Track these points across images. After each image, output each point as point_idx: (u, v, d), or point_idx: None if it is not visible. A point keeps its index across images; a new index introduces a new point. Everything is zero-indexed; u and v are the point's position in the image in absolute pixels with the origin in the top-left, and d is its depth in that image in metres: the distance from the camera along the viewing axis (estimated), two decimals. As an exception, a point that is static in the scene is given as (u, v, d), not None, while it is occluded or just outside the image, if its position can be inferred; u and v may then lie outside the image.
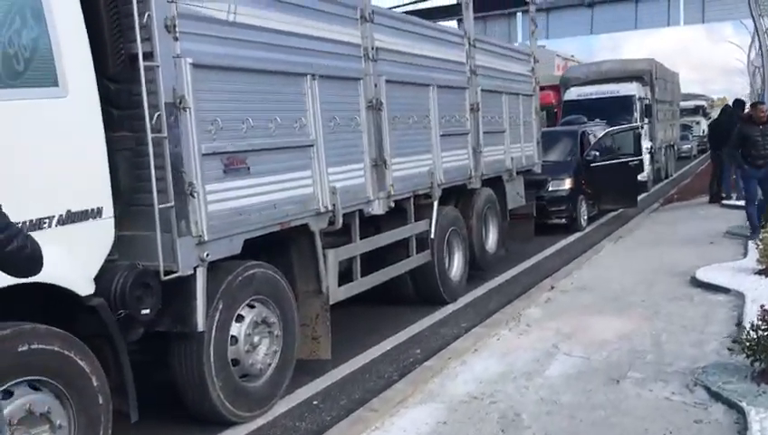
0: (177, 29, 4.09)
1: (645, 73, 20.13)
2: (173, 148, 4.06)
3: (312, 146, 5.33)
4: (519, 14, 30.90)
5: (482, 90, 8.53)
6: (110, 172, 3.90)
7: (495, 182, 9.33)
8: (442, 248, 7.72)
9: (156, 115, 3.97)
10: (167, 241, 4.05)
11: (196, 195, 4.20)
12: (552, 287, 7.74)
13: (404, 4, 10.37)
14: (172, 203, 4.05)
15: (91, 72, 3.74)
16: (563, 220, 12.61)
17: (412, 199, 7.08)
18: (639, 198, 14.79)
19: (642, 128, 18.41)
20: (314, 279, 5.55)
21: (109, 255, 4.02)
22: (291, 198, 5.11)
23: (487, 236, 9.24)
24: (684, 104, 31.93)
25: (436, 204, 7.49)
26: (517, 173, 9.91)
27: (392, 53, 6.54)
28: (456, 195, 8.55)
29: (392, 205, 6.55)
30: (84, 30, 3.72)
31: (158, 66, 3.97)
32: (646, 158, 17.92)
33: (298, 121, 5.19)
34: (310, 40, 5.36)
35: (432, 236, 7.47)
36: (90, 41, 3.78)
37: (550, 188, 12.50)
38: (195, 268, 4.27)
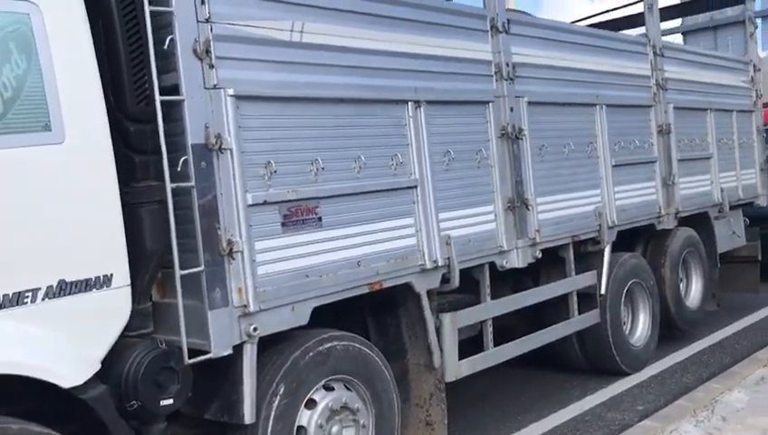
0: (212, 54, 3.36)
1: None
2: (204, 198, 3.31)
3: (414, 187, 4.33)
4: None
5: (675, 107, 6.90)
6: (133, 230, 3.25)
7: (699, 220, 7.53)
8: (618, 306, 6.21)
9: (182, 160, 3.25)
10: (194, 314, 3.29)
11: (238, 256, 3.40)
12: (772, 362, 5.85)
13: (587, 17, 8.91)
14: (202, 267, 3.28)
15: (100, 112, 3.13)
16: (805, 263, 10.09)
17: (571, 246, 5.73)
18: None
19: None
20: (425, 351, 4.50)
21: (142, 328, 3.37)
22: (384, 253, 4.14)
23: (688, 289, 7.47)
24: None
25: (607, 250, 6.04)
26: (732, 208, 7.98)
27: (534, 68, 5.32)
28: (644, 238, 6.98)
29: (538, 255, 5.28)
30: (93, 63, 3.12)
31: (183, 100, 3.26)
32: None
33: (394, 159, 4.22)
34: (411, 59, 4.39)
35: (603, 290, 6.02)
36: (107, 74, 3.19)
37: (785, 224, 10.12)
38: (242, 345, 3.46)
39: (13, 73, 2.90)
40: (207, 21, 3.36)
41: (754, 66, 8.88)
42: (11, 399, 2.88)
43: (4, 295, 2.80)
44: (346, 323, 4.29)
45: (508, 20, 5.11)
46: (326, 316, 3.96)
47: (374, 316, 4.66)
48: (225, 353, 3.37)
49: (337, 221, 3.89)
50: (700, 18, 20.57)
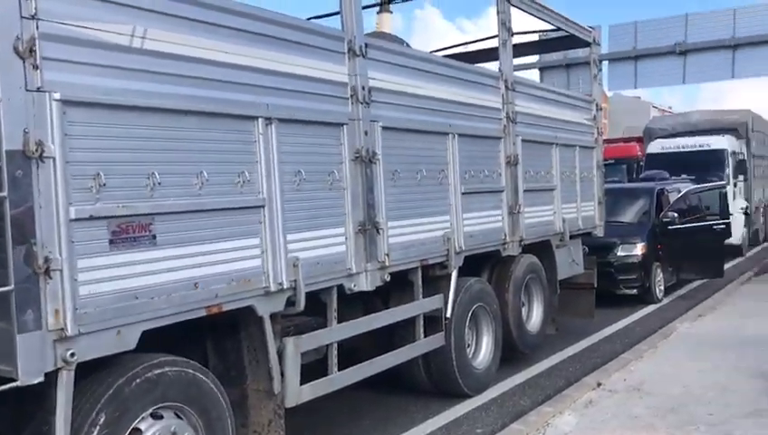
0: (37, 54, 3.07)
1: (739, 126, 18.15)
2: (17, 210, 3.00)
3: (261, 207, 4.20)
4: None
5: (523, 140, 7.23)
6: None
7: (542, 248, 7.92)
8: (462, 330, 6.37)
9: (-6, 167, 2.93)
10: (2, 338, 2.97)
11: (56, 274, 3.11)
12: (599, 384, 6.21)
13: (443, 48, 9.18)
14: (11, 286, 2.97)
15: None
16: (634, 291, 10.93)
17: (420, 270, 5.81)
18: (733, 263, 12.90)
19: (736, 185, 16.45)
20: (266, 376, 4.36)
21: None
22: (225, 274, 3.96)
23: (530, 313, 7.82)
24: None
25: (454, 275, 6.18)
26: (572, 237, 8.47)
27: (390, 93, 5.37)
28: (490, 264, 7.22)
29: (387, 278, 5.30)
30: None
31: (-2, 102, 2.95)
32: (740, 219, 15.93)
33: (241, 176, 4.07)
34: (264, 74, 4.28)
35: (448, 314, 6.15)
36: None
37: (619, 253, 10.97)
38: (57, 371, 3.16)
39: None
40: (33, 18, 3.07)
41: (597, 105, 9.54)
42: None
43: None
44: (183, 346, 4.06)
45: (366, 44, 5.12)
46: (161, 340, 3.73)
47: (214, 340, 4.47)
48: (35, 381, 3.06)
49: (173, 240, 3.68)
50: (554, 56, 21.92)
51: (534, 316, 7.86)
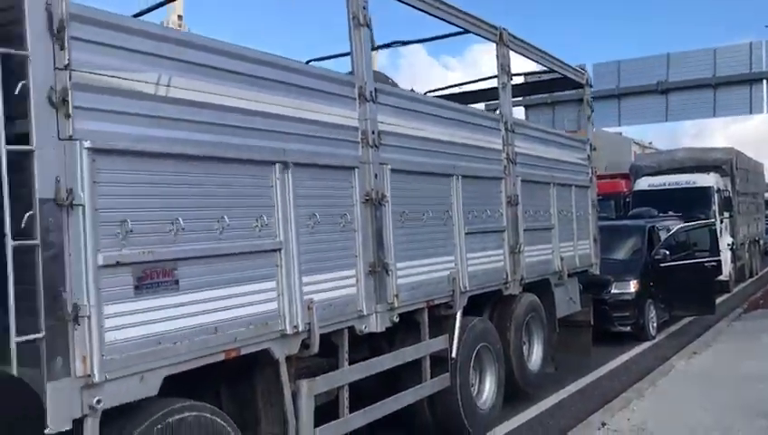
0: (70, 104, 3.13)
1: (724, 163, 18.48)
2: (49, 258, 3.03)
3: (279, 250, 4.25)
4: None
5: (522, 180, 7.36)
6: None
7: (541, 287, 8.00)
8: (467, 370, 6.38)
9: (27, 216, 2.96)
10: (32, 385, 2.97)
11: (84, 321, 3.13)
12: (604, 425, 6.23)
13: (436, 89, 9.35)
14: (42, 334, 2.98)
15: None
16: (628, 328, 11.01)
17: (426, 311, 5.85)
18: (721, 299, 13.03)
19: (722, 222, 16.69)
20: (280, 419, 4.35)
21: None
22: (243, 318, 3.99)
23: (531, 352, 7.86)
24: (770, 196, 29.71)
25: (459, 315, 6.22)
26: (569, 275, 8.56)
27: (398, 136, 5.47)
28: (491, 303, 7.27)
29: (396, 319, 5.34)
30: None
31: (32, 151, 3.00)
32: (727, 255, 16.13)
33: (259, 220, 4.12)
34: (280, 120, 4.36)
35: (453, 354, 6.17)
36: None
37: (613, 291, 11.05)
38: (81, 419, 3.16)
39: None
40: (66, 68, 3.14)
41: (591, 145, 9.72)
42: None
43: None
44: (198, 389, 4.06)
45: (375, 89, 5.24)
46: (176, 383, 3.72)
47: (228, 382, 4.46)
48: (64, 429, 3.06)
49: (195, 284, 3.71)
50: (540, 94, 22.29)
51: (535, 355, 7.90)
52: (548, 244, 8.07)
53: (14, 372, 2.90)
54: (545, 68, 9.01)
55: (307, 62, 5.75)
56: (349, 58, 5.16)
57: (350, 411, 4.96)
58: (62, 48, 3.11)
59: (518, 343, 7.38)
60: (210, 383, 4.37)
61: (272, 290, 4.20)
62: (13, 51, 2.95)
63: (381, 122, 5.29)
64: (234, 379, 4.44)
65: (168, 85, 3.64)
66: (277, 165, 4.26)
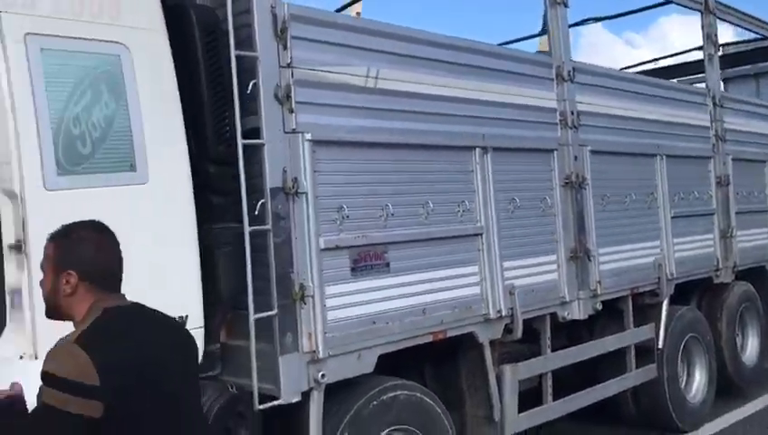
0: (293, 99, 3.38)
1: None
2: (279, 242, 3.30)
3: (480, 235, 4.28)
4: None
5: (733, 159, 6.78)
6: (209, 271, 3.24)
7: (755, 275, 7.33)
8: (675, 361, 6.01)
9: (259, 203, 3.25)
10: (264, 358, 3.25)
11: (309, 300, 3.37)
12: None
13: (637, 64, 8.87)
14: (275, 311, 3.25)
15: (182, 153, 3.15)
16: None
17: (630, 299, 5.60)
18: None
19: None
20: (485, 402, 4.39)
21: (210, 370, 3.34)
22: (448, 301, 4.07)
23: (745, 345, 7.24)
24: None
25: (665, 304, 5.89)
26: (788, 262, 7.76)
27: (597, 116, 5.27)
28: (699, 291, 6.79)
29: (599, 307, 5.17)
30: (178, 104, 3.15)
31: (263, 144, 3.27)
32: None
33: (461, 205, 4.18)
34: (480, 105, 4.38)
35: (660, 345, 5.84)
36: (189, 116, 3.21)
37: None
38: (306, 393, 3.41)
39: (102, 114, 2.93)
40: (289, 66, 3.39)
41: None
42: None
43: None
44: (402, 369, 4.21)
45: (573, 68, 5.09)
46: (383, 360, 3.89)
47: (432, 364, 4.57)
48: (295, 400, 3.32)
49: (404, 267, 3.85)
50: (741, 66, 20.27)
51: (750, 348, 7.27)
52: (763, 227, 7.37)
53: (253, 347, 3.18)
54: (756, 36, 8.24)
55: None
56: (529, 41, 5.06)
57: (553, 399, 4.89)
58: (284, 47, 3.36)
59: (731, 335, 6.83)
60: (414, 363, 4.51)
61: (474, 274, 4.25)
62: (246, 52, 3.23)
63: (580, 102, 5.13)
64: (437, 360, 4.54)
65: (377, 77, 3.80)
66: (477, 150, 4.29)
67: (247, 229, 3.20)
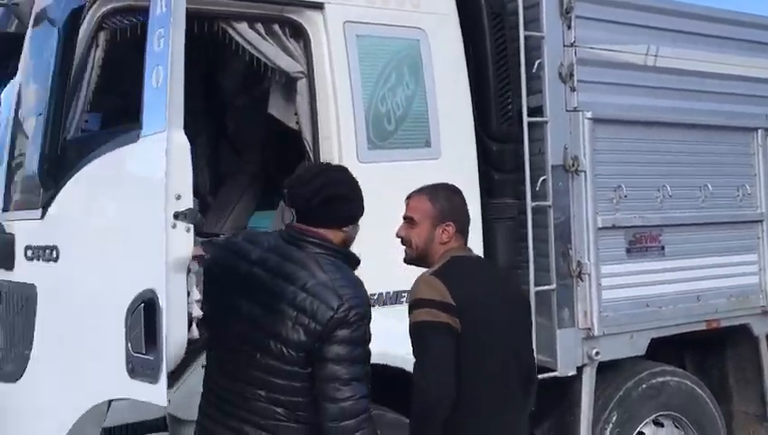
0: (575, 78, 3.41)
1: None
2: (559, 219, 3.36)
3: (760, 221, 4.02)
4: None
5: None
6: (486, 244, 3.38)
7: None
8: None
9: (540, 180, 3.33)
10: (544, 332, 3.33)
11: (585, 278, 3.40)
12: None
13: None
14: (554, 286, 3.33)
15: (469, 131, 3.32)
16: None
17: None
18: None
19: None
20: (757, 400, 4.13)
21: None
22: (722, 290, 3.89)
23: None
24: None
25: None
26: None
27: None
28: None
29: None
30: (466, 85, 3.32)
31: (546, 122, 3.35)
32: None
33: (740, 189, 3.96)
34: (761, 84, 4.10)
35: None
36: (473, 95, 3.37)
37: None
38: (580, 368, 3.45)
39: (404, 94, 3.17)
40: (572, 45, 3.43)
41: None
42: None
43: (385, 293, 3.04)
44: (661, 356, 4.07)
45: None
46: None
47: (694, 353, 4.38)
48: (570, 374, 3.38)
49: (679, 251, 3.74)
50: None
51: None
52: None
53: (533, 320, 3.27)
54: None
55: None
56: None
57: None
58: (569, 27, 3.41)
59: None
60: (675, 351, 4.35)
61: (753, 263, 4.01)
62: (533, 33, 3.32)
63: None
64: (700, 350, 4.33)
65: (656, 55, 3.71)
66: (759, 131, 4.04)
67: (530, 205, 3.30)
